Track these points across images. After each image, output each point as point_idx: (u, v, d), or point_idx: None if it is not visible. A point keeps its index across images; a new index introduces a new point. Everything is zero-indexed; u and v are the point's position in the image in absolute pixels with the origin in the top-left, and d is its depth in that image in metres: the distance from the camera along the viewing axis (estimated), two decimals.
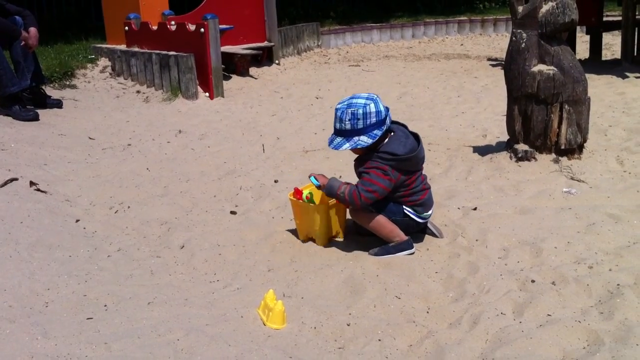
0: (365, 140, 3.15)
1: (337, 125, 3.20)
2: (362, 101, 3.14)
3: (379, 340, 2.55)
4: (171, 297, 2.94)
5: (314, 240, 3.48)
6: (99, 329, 2.61)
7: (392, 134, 3.26)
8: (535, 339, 2.41)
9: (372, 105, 3.13)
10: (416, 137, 3.31)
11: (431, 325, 2.66)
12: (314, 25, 11.49)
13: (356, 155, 3.35)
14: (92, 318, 2.71)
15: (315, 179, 3.33)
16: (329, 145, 3.24)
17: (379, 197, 3.19)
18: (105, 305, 2.84)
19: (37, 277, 3.03)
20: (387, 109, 3.20)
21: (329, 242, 3.47)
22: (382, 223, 3.28)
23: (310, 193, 3.53)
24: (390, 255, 3.26)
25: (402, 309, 2.80)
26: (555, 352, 2.35)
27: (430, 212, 3.39)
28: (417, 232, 3.43)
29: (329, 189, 3.28)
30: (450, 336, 2.53)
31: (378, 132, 3.16)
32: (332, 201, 3.39)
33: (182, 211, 4.01)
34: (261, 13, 9.25)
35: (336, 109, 3.20)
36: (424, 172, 3.40)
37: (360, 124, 3.13)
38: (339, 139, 3.21)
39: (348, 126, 3.14)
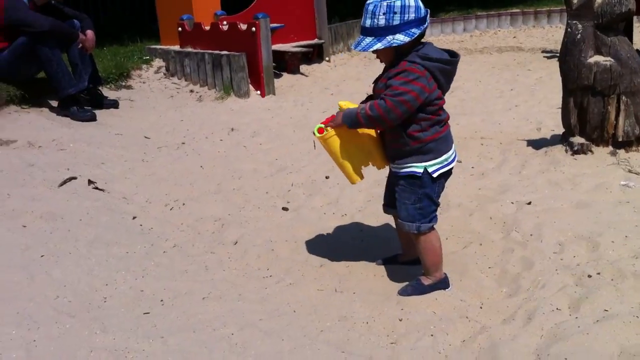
0: (400, 38, 2.61)
1: (368, 23, 2.64)
2: None
3: (432, 335, 2.54)
4: (225, 292, 2.99)
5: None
6: (155, 323, 2.67)
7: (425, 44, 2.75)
8: (591, 335, 2.36)
9: None
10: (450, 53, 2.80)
11: (484, 320, 2.64)
12: None
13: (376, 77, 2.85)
14: (149, 313, 2.77)
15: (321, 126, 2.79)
16: (355, 47, 2.69)
17: (410, 107, 2.63)
18: (162, 300, 2.90)
19: (96, 273, 3.11)
20: (427, 10, 2.68)
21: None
22: (435, 247, 2.86)
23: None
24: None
25: (454, 305, 2.78)
26: (612, 347, 2.30)
27: (452, 151, 2.84)
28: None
29: (346, 116, 2.74)
30: (504, 332, 2.51)
31: (416, 31, 2.63)
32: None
33: (235, 208, 4.06)
34: (311, 11, 9.27)
35: (367, 4, 2.65)
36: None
37: (397, 19, 2.60)
38: (368, 39, 2.66)
39: (382, 22, 2.61)
